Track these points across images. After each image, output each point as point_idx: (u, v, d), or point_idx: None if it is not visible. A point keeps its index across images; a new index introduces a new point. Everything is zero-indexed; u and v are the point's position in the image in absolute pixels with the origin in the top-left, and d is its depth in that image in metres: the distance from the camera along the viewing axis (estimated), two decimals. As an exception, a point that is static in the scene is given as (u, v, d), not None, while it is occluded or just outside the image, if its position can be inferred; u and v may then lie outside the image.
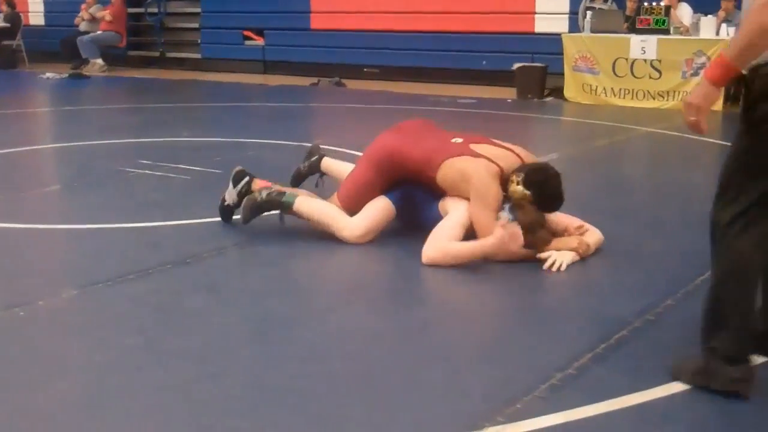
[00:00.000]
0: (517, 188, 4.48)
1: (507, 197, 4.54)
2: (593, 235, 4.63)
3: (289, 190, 4.95)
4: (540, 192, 4.48)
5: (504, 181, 4.55)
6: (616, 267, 4.47)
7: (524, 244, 4.45)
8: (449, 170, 4.61)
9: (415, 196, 4.79)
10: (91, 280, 4.15)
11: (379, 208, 4.77)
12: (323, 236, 4.78)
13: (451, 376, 3.16)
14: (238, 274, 4.35)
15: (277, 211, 4.90)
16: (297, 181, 5.61)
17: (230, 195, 5.03)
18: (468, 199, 4.54)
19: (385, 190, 4.83)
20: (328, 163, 5.55)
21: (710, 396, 2.97)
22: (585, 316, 3.82)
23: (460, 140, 4.76)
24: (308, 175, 5.61)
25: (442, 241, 4.43)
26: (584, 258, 4.48)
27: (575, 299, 4.15)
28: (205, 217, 5.25)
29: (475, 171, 4.52)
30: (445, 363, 3.28)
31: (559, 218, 4.67)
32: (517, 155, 4.72)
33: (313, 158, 5.61)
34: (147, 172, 6.70)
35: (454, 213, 4.56)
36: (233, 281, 4.23)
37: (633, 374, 3.13)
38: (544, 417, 2.80)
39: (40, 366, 3.23)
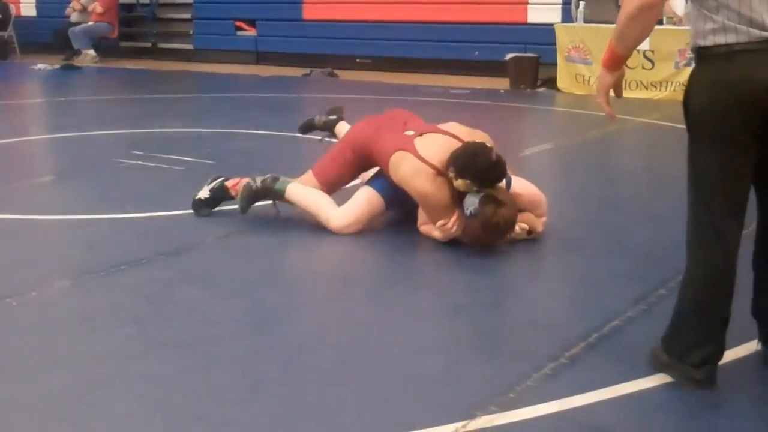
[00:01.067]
0: (458, 182, 4.44)
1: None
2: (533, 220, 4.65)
3: (281, 177, 4.94)
4: (474, 173, 4.39)
5: (446, 173, 4.51)
6: (609, 256, 4.48)
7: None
8: (393, 172, 4.61)
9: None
10: (84, 271, 4.14)
11: (365, 199, 4.77)
12: (317, 226, 4.78)
13: (444, 365, 3.17)
14: (231, 264, 4.35)
15: (269, 202, 4.91)
16: (305, 129, 5.66)
17: (203, 192, 5.08)
18: None
19: (361, 170, 4.93)
20: (342, 129, 5.57)
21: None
22: (578, 306, 3.83)
23: (411, 133, 4.73)
24: (319, 129, 5.65)
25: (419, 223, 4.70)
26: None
27: (568, 289, 4.16)
28: (198, 208, 5.24)
29: (412, 182, 4.51)
30: (438, 353, 3.29)
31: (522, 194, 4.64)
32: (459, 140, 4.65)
33: (332, 117, 5.64)
34: (139, 162, 6.69)
35: None
36: (226, 271, 4.23)
37: (626, 363, 3.14)
38: (537, 406, 2.81)
39: (32, 356, 3.23)
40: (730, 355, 3.16)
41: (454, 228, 4.48)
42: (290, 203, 4.87)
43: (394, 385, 3.00)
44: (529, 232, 4.58)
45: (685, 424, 2.78)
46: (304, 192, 4.85)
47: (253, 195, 4.86)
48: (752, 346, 3.22)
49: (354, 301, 3.91)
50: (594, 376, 3.02)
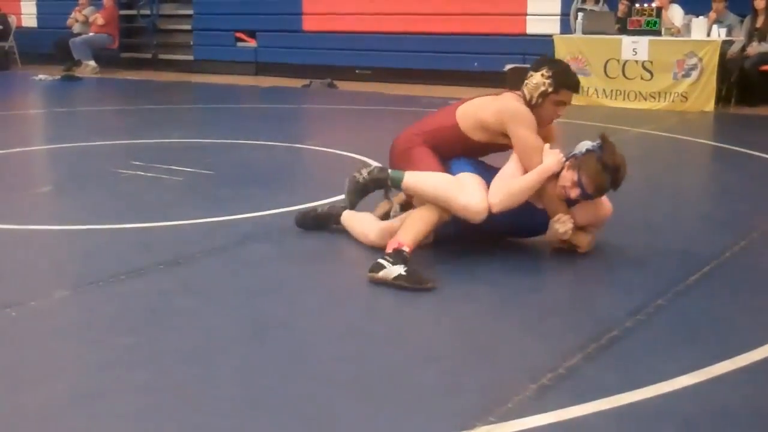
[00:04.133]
0: (534, 76, 4.52)
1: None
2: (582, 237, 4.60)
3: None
4: (555, 67, 4.55)
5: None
6: (607, 267, 4.49)
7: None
8: (467, 109, 4.63)
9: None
10: (84, 281, 4.15)
11: (477, 179, 4.43)
12: (315, 238, 4.78)
13: (443, 376, 3.17)
14: (229, 274, 4.35)
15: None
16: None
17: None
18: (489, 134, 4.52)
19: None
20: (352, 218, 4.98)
21: (700, 395, 2.99)
22: (575, 316, 3.84)
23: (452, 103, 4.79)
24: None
25: (503, 183, 4.38)
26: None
27: (566, 299, 4.16)
28: (197, 218, 5.25)
29: (500, 99, 4.58)
30: (436, 363, 3.29)
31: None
32: None
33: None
34: (139, 173, 6.69)
35: (507, 164, 4.48)
36: (225, 282, 4.23)
37: (623, 374, 3.14)
38: (534, 417, 2.81)
39: (31, 366, 3.23)
40: (727, 366, 3.17)
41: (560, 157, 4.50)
42: (410, 193, 4.51)
43: (392, 395, 3.00)
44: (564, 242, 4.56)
45: (682, 434, 2.79)
46: (426, 175, 4.40)
47: (362, 188, 4.48)
48: (752, 356, 3.23)
49: (353, 311, 3.91)
50: (591, 387, 3.02)
